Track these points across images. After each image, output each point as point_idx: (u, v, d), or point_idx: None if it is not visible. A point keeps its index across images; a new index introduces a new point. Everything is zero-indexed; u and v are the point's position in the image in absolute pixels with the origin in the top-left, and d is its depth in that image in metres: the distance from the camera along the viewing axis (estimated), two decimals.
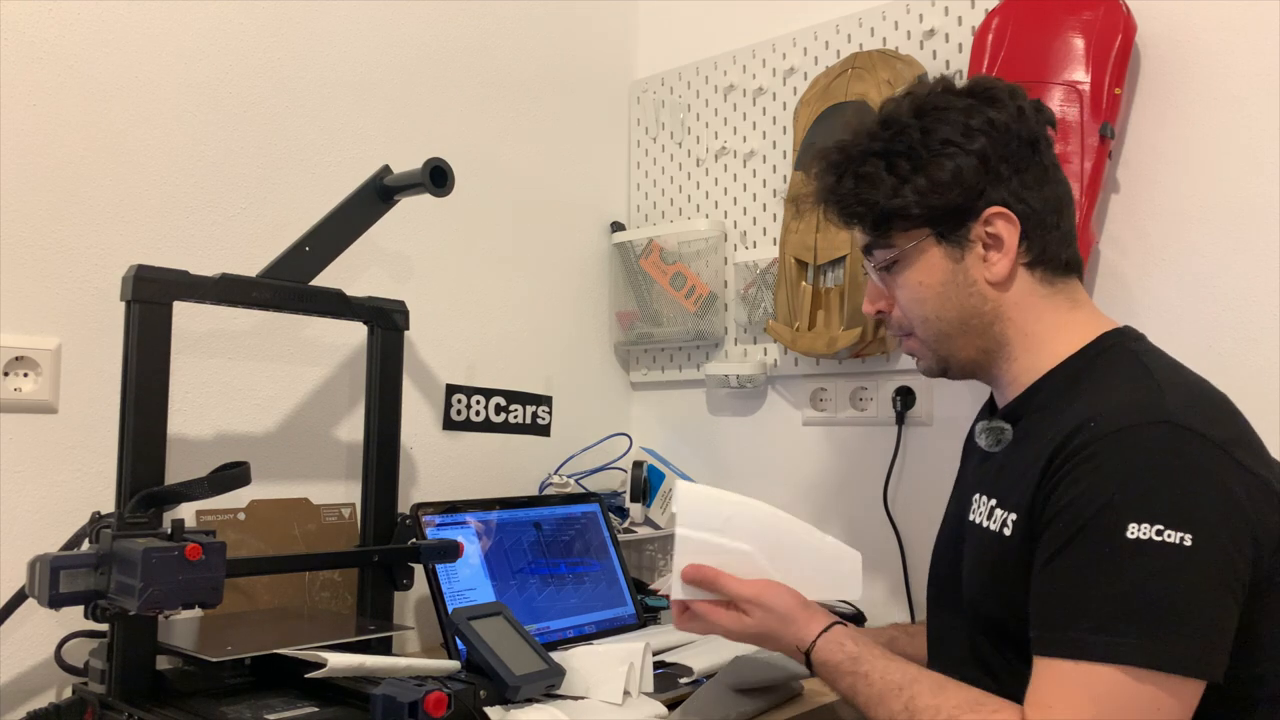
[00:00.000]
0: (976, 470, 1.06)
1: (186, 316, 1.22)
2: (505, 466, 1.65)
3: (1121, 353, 0.98)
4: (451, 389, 1.31)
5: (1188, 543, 0.82)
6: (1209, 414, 0.90)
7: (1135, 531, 0.83)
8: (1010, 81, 1.05)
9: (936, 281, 1.02)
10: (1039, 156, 1.01)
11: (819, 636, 0.99)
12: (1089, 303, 1.04)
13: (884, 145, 1.02)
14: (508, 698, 1.03)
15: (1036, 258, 1.01)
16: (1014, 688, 0.92)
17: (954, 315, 1.02)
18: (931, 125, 1.00)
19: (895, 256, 1.03)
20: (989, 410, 1.10)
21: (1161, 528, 0.83)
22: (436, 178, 1.24)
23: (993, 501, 0.98)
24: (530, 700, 1.05)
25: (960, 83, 1.04)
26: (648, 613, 1.51)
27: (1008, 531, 0.94)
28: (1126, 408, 0.89)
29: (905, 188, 1.00)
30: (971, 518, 1.01)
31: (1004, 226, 0.99)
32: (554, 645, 1.24)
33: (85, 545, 1.03)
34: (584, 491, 1.66)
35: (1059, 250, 1.02)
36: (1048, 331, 1.01)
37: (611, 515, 1.62)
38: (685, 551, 1.05)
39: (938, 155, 0.99)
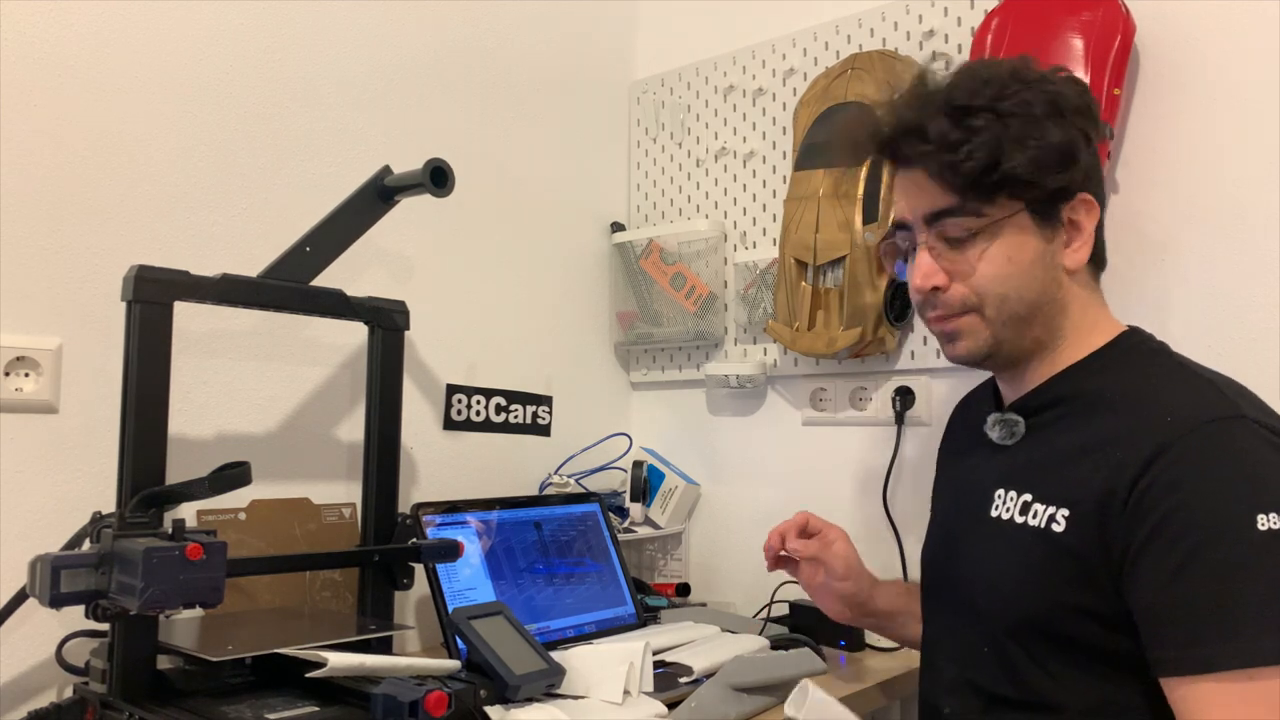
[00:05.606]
0: (989, 464, 1.02)
1: (187, 316, 1.22)
2: (505, 466, 1.65)
3: (1151, 350, 0.97)
4: (452, 389, 1.31)
5: None
6: (1259, 407, 0.89)
7: (1265, 523, 0.79)
8: None
9: (1026, 260, 0.94)
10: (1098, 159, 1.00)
11: None
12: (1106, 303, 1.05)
13: (989, 102, 0.91)
14: (508, 697, 1.03)
15: (1095, 253, 0.98)
16: (1042, 689, 0.90)
17: (1033, 298, 0.95)
18: (1036, 95, 0.92)
19: (983, 226, 0.93)
20: (993, 402, 1.07)
21: None
22: (437, 178, 1.24)
23: (1026, 496, 0.94)
24: (530, 700, 1.05)
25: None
26: (648, 612, 1.51)
27: (1058, 527, 0.89)
28: (1196, 404, 0.86)
29: (1023, 153, 0.90)
30: (996, 514, 0.97)
31: (1087, 214, 0.96)
32: (554, 645, 1.24)
33: (86, 545, 1.03)
34: (584, 491, 1.66)
35: (1103, 250, 1.01)
36: (1088, 327, 0.98)
37: (611, 515, 1.62)
38: None
39: (1056, 124, 0.91)
